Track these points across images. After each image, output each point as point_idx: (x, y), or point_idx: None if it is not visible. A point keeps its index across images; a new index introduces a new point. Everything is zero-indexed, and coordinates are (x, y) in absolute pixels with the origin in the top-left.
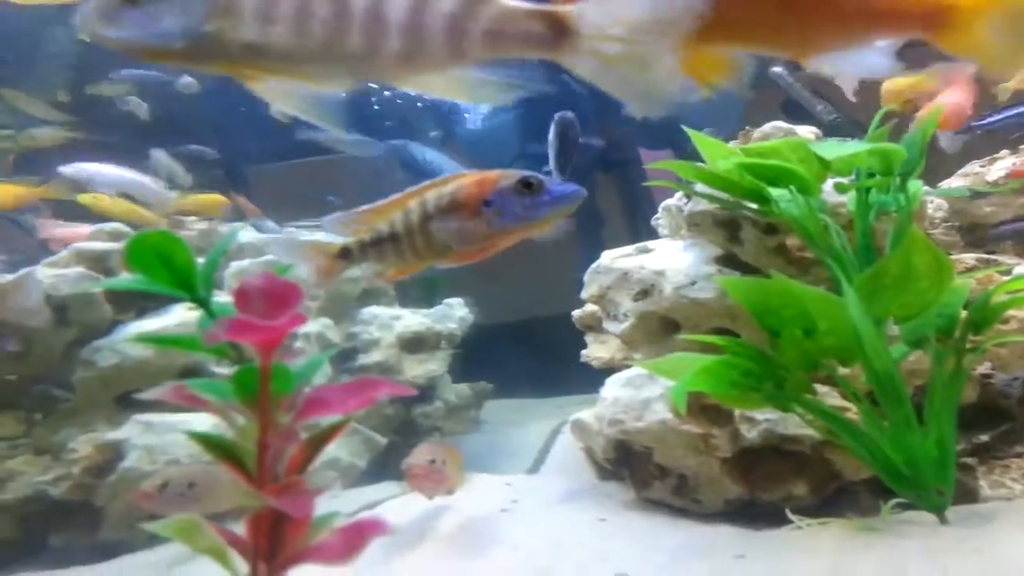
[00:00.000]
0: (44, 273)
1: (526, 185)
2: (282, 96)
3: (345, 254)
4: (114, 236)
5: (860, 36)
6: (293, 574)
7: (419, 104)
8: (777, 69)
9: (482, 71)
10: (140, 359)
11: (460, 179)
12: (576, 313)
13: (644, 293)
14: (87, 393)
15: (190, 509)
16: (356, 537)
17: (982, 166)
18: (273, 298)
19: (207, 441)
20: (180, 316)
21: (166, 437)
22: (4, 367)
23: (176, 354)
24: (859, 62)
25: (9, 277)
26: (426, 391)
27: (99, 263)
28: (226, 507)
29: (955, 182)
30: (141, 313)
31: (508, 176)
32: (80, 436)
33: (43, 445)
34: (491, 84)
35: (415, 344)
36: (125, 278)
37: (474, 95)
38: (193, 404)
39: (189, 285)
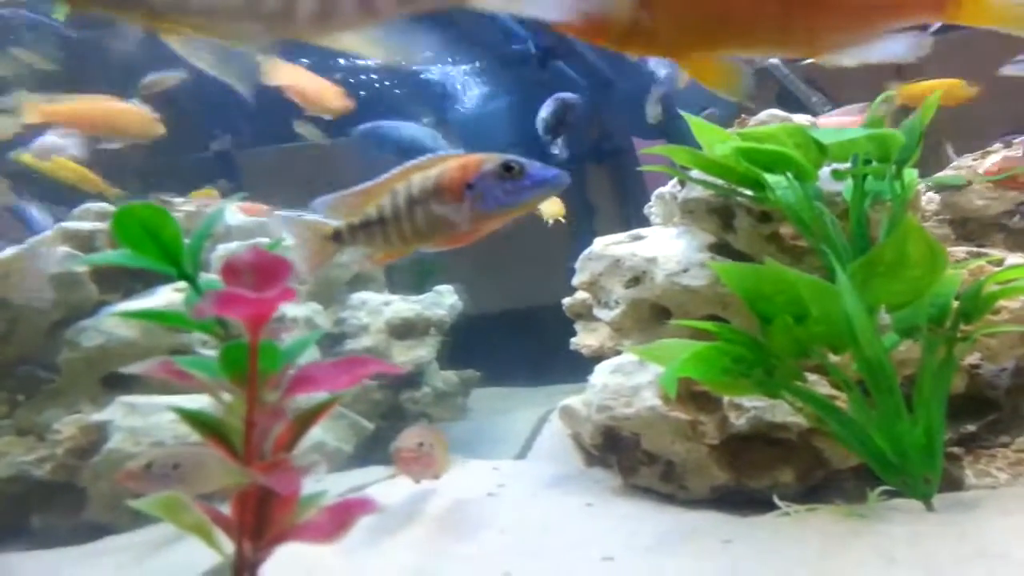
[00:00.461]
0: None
1: (507, 169)
2: (197, 53)
3: (337, 237)
4: (101, 216)
5: (869, 28)
6: (280, 553)
7: (403, 89)
8: (772, 60)
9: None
10: (126, 340)
11: (444, 162)
12: (566, 301)
13: (635, 280)
14: (72, 374)
15: (175, 490)
16: (344, 516)
17: (975, 159)
18: (262, 273)
19: (193, 418)
20: (167, 297)
21: (151, 419)
22: None
23: (163, 335)
24: (880, 50)
25: (10, 252)
26: (414, 377)
27: (85, 243)
28: (211, 488)
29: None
30: (128, 294)
31: (491, 160)
32: (64, 417)
33: (27, 426)
34: (402, 43)
35: (404, 330)
36: (111, 253)
37: (385, 53)
38: (180, 380)
39: (176, 260)
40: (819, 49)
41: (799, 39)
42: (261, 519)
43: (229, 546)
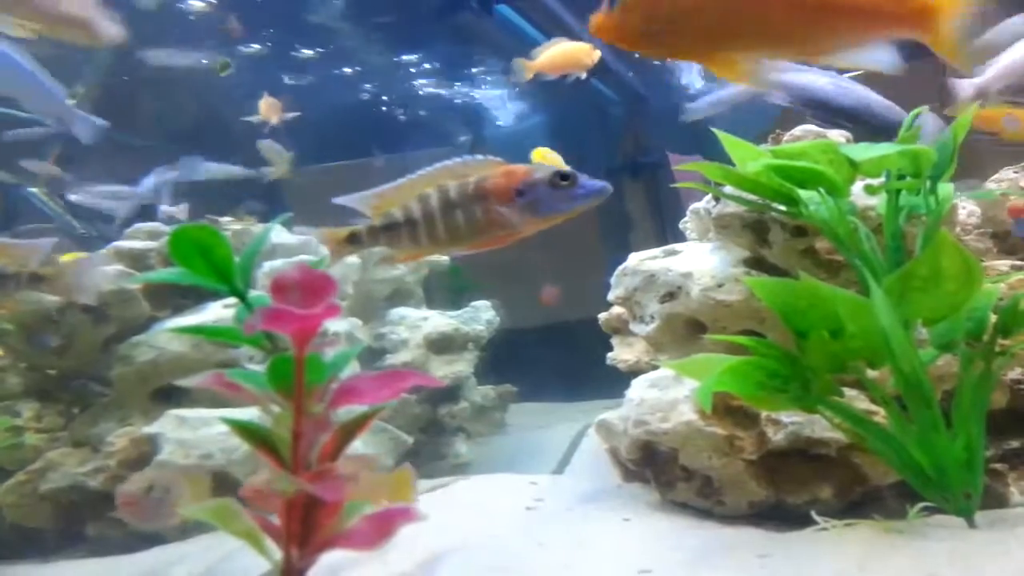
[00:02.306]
0: None
1: (563, 178)
2: None
3: (354, 239)
4: (153, 235)
5: (858, 37)
6: (322, 561)
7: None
8: None
9: None
10: (176, 354)
11: (480, 169)
12: (602, 316)
13: (670, 295)
14: (124, 387)
15: (167, 512)
16: (386, 524)
17: (1015, 172)
18: (308, 289)
19: (243, 429)
20: (216, 313)
21: (200, 431)
22: (45, 362)
23: (212, 350)
24: (865, 58)
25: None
26: (452, 392)
27: (138, 261)
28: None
29: (988, 188)
30: (178, 310)
31: (540, 168)
32: (117, 429)
33: (81, 438)
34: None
35: (442, 345)
36: (167, 271)
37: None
38: (230, 392)
39: (228, 278)
40: (814, 53)
41: (797, 43)
42: (307, 526)
43: (276, 553)
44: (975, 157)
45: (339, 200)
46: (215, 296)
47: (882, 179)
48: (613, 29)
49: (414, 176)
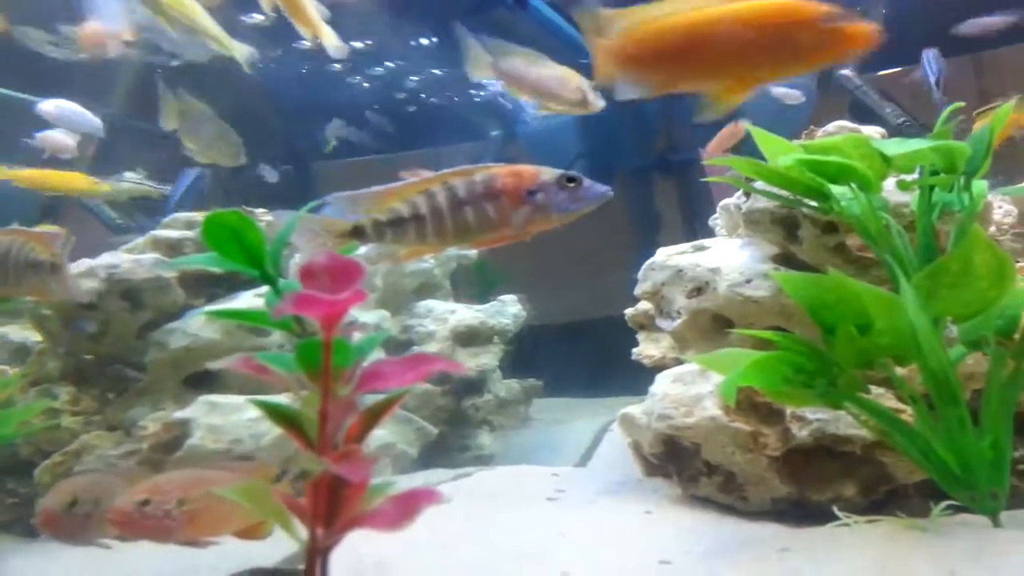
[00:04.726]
0: (121, 258)
1: (570, 180)
2: None
3: (358, 233)
4: (188, 225)
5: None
6: (346, 544)
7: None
8: (845, 72)
9: None
10: (209, 341)
11: (487, 170)
12: (629, 311)
13: (698, 290)
14: (158, 373)
15: (94, 527)
16: (410, 505)
17: None
18: (336, 275)
19: (272, 410)
20: (248, 302)
21: (230, 417)
22: (82, 347)
23: (243, 338)
24: None
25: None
26: (477, 384)
27: (174, 250)
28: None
29: None
30: (211, 299)
31: (546, 171)
32: (150, 414)
33: (115, 421)
34: None
35: (468, 338)
36: (200, 256)
37: None
38: (259, 374)
39: (259, 263)
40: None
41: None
42: (333, 506)
43: (302, 532)
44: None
45: (332, 199)
46: (248, 286)
47: (915, 175)
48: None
49: (408, 182)
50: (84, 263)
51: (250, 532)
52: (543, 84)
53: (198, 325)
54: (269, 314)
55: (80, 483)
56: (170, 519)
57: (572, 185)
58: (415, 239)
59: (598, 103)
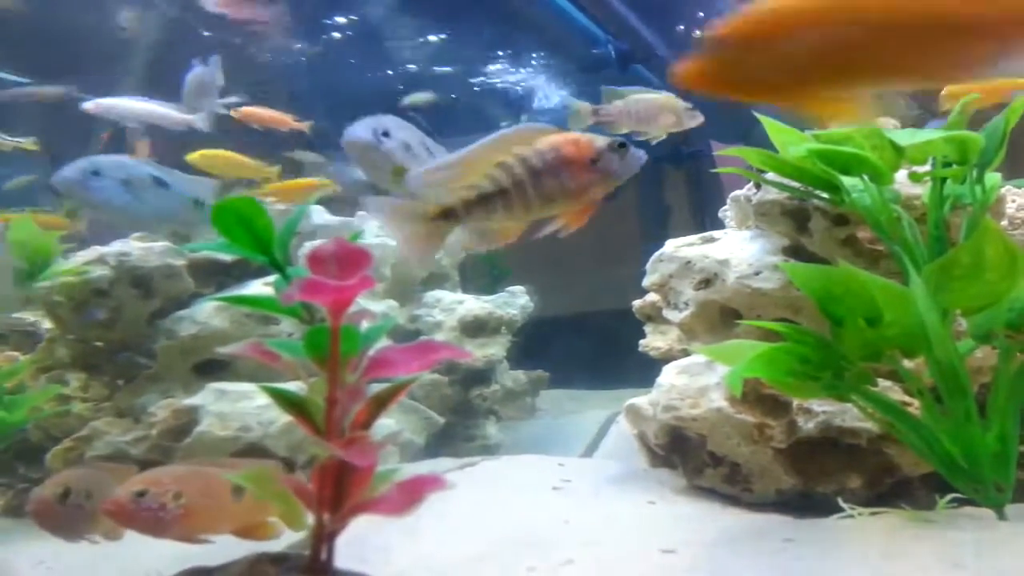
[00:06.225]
0: (132, 245)
1: (621, 145)
2: None
3: (449, 215)
4: None
5: (975, 58)
6: (352, 531)
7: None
8: None
9: None
10: (218, 330)
11: (547, 138)
12: (636, 303)
13: (706, 282)
14: (167, 360)
15: (88, 517)
16: (415, 491)
17: None
18: (344, 262)
19: (279, 396)
20: (257, 290)
21: (238, 404)
22: (93, 334)
23: (252, 326)
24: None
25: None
26: (484, 374)
27: (185, 239)
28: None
29: None
30: (220, 288)
31: (596, 138)
32: (159, 401)
33: (125, 408)
34: None
35: (476, 328)
36: (208, 242)
37: None
38: (267, 360)
39: (268, 249)
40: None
41: (917, 71)
42: (339, 492)
43: (309, 517)
44: None
45: (411, 178)
46: (257, 274)
47: (927, 166)
48: (702, 76)
49: (475, 147)
50: (95, 250)
51: (254, 532)
52: (643, 116)
53: (207, 313)
54: (278, 300)
55: (73, 475)
56: (165, 512)
57: (622, 149)
58: (503, 215)
59: (694, 120)
